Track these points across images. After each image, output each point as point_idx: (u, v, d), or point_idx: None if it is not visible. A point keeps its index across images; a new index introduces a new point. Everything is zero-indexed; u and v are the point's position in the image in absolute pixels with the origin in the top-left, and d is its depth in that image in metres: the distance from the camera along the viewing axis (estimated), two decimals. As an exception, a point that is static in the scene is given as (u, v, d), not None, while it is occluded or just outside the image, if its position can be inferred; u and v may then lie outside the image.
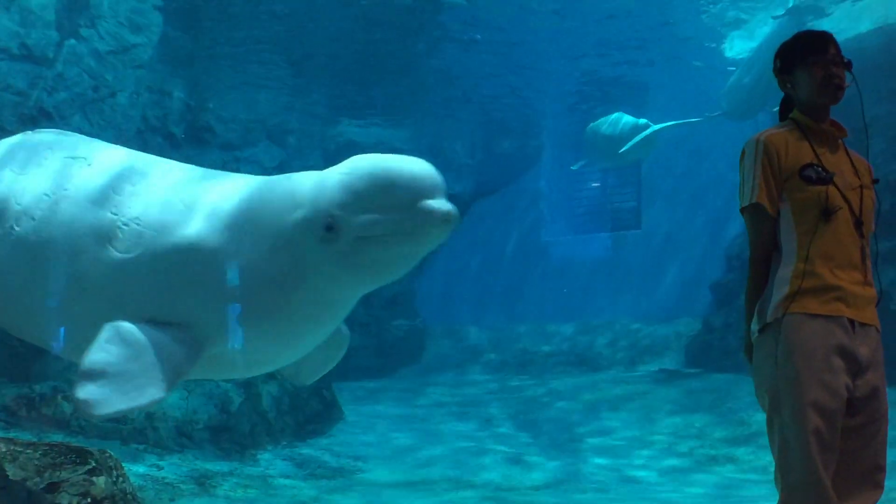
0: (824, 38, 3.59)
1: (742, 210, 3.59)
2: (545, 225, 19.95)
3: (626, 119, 17.82)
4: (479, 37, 14.57)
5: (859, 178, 3.58)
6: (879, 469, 3.46)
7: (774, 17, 15.38)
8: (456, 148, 18.94)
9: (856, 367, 3.42)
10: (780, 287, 3.48)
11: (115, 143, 4.95)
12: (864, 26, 13.21)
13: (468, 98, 17.72)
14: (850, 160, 3.63)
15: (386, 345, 17.78)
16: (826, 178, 3.47)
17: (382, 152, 3.96)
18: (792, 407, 3.35)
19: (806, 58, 3.57)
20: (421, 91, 16.95)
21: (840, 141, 3.67)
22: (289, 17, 13.49)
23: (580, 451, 11.43)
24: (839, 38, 3.70)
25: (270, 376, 12.14)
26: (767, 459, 3.59)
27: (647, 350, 16.78)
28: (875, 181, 3.66)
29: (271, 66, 15.39)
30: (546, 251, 19.57)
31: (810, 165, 3.49)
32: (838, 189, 3.49)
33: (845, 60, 3.55)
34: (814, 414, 3.31)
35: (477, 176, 19.35)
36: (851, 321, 3.43)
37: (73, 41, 11.75)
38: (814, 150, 3.54)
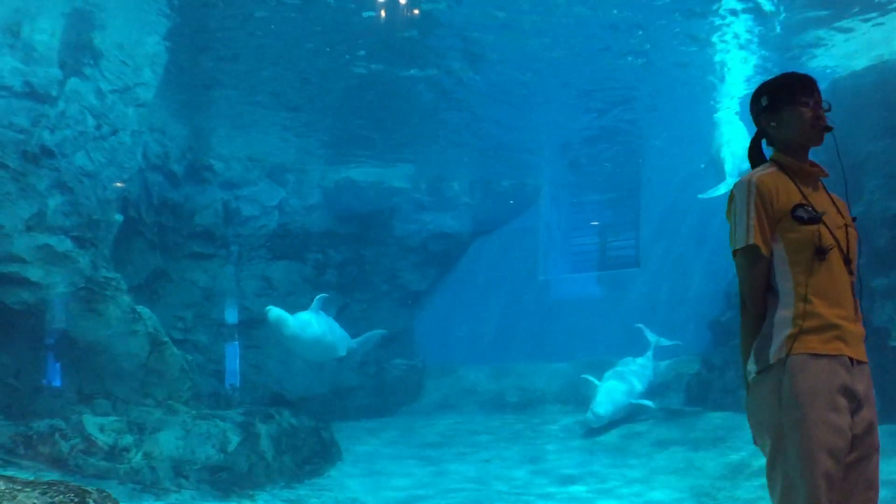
0: (812, 81, 3.65)
1: (735, 252, 3.62)
2: (543, 263, 19.94)
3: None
4: (477, 77, 14.65)
5: (843, 217, 3.63)
6: (872, 488, 3.48)
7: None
8: (454, 186, 18.99)
9: (855, 405, 3.43)
10: (782, 328, 3.49)
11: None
12: (860, 63, 13.27)
13: (467, 138, 17.78)
14: (832, 199, 3.67)
15: (384, 384, 17.71)
16: (816, 217, 3.50)
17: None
18: (799, 449, 3.32)
19: (795, 98, 3.60)
20: (420, 130, 17.01)
21: (819, 181, 3.71)
22: (290, 57, 13.59)
23: (584, 491, 11.35)
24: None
25: (269, 416, 12.11)
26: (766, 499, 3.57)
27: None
28: (853, 219, 3.71)
29: (272, 106, 15.48)
30: (544, 289, 19.55)
31: (801, 206, 3.52)
32: (828, 228, 3.52)
33: (827, 105, 3.62)
34: (823, 456, 3.30)
35: (475, 214, 19.39)
36: (850, 359, 3.45)
37: (75, 79, 11.82)
38: (800, 191, 3.58)
